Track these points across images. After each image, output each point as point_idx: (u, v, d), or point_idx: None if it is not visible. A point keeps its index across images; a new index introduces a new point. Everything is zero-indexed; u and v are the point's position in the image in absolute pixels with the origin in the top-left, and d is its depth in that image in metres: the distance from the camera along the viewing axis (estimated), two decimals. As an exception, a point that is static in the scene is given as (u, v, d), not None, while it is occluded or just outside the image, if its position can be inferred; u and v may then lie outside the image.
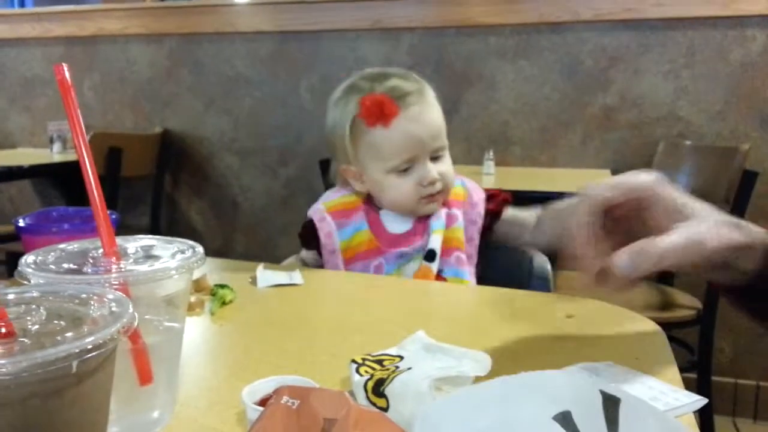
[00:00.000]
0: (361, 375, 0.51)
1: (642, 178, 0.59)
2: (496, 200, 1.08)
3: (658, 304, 1.73)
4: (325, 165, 1.96)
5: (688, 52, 2.05)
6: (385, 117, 1.00)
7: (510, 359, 0.61)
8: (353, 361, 0.54)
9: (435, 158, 1.03)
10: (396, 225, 1.06)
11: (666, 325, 0.72)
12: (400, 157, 1.01)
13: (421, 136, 1.01)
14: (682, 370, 0.59)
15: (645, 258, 0.52)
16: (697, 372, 1.72)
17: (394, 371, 0.49)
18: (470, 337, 0.67)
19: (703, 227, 0.54)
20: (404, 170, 1.02)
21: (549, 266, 1.06)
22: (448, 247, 1.03)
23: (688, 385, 0.54)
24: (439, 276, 1.01)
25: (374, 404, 0.47)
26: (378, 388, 0.48)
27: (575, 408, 0.34)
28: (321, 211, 1.07)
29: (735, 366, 2.12)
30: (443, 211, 1.05)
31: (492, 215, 1.07)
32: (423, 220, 1.05)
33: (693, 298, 1.76)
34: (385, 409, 0.46)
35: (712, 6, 2.00)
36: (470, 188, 1.10)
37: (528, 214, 1.05)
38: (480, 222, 1.06)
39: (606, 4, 2.09)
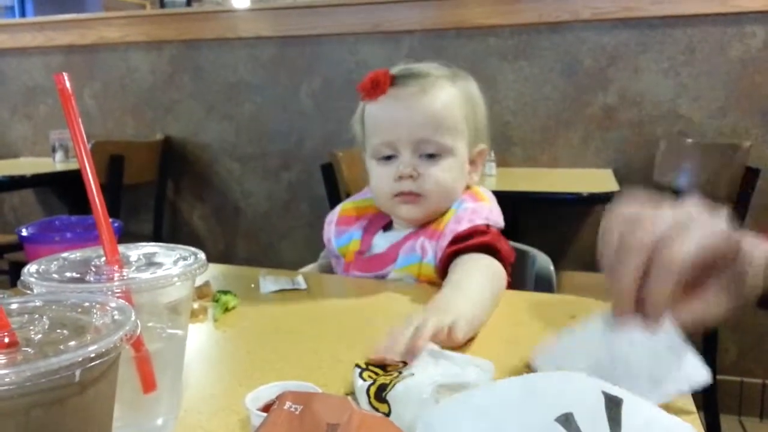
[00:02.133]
0: (364, 380, 0.51)
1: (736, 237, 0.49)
2: (451, 248, 0.87)
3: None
4: (326, 169, 1.96)
5: (687, 50, 2.05)
6: (373, 91, 0.92)
7: (513, 361, 0.61)
8: (357, 365, 0.54)
9: (429, 157, 0.92)
10: (380, 242, 0.97)
11: (669, 325, 0.72)
12: (379, 137, 0.93)
13: (401, 119, 0.91)
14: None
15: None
16: (703, 371, 1.71)
17: (397, 377, 0.49)
18: (473, 339, 0.67)
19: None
20: (386, 158, 0.94)
21: (552, 267, 1.06)
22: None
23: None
24: None
25: (376, 409, 0.47)
26: (380, 394, 0.48)
27: (577, 409, 0.34)
28: (335, 213, 1.04)
29: (740, 365, 2.11)
30: (417, 243, 0.93)
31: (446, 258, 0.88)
32: (396, 247, 0.95)
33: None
34: (387, 415, 0.46)
35: (711, 3, 1.99)
36: (459, 215, 0.92)
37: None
38: (438, 256, 0.90)
39: (605, 3, 2.09)
